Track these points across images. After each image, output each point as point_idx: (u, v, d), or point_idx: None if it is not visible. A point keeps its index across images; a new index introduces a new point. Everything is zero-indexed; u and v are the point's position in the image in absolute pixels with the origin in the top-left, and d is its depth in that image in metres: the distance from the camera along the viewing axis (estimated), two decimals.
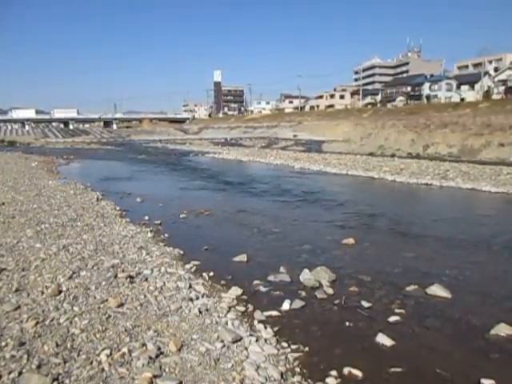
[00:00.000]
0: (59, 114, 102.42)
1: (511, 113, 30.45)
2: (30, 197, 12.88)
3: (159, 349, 4.19)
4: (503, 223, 11.10)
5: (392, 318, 5.35)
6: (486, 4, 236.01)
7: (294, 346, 4.61)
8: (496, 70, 65.73)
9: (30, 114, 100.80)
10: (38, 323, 4.54)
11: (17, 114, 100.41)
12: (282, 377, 3.98)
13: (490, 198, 14.47)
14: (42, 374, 3.66)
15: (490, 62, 69.88)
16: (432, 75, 72.03)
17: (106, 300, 5.28)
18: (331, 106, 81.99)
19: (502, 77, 59.89)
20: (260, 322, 5.18)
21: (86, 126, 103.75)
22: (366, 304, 5.75)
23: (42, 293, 5.41)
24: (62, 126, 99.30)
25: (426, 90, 67.18)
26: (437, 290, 6.12)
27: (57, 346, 4.12)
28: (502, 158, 25.17)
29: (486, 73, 62.14)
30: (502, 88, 57.71)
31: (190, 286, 6.07)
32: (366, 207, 12.82)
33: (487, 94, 54.79)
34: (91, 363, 3.87)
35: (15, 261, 6.63)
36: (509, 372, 4.27)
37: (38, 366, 3.76)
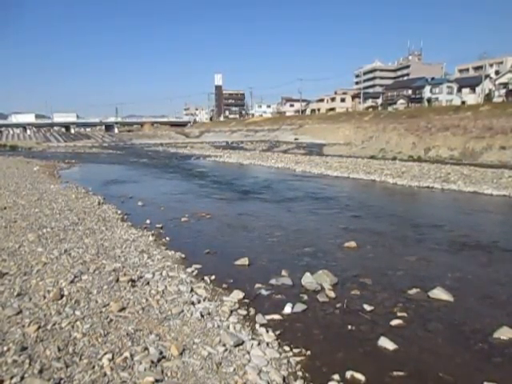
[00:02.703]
0: (59, 118, 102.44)
1: None
2: (32, 201, 12.89)
3: (161, 353, 4.19)
4: (505, 226, 11.08)
5: (394, 322, 5.34)
6: (487, 7, 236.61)
7: (296, 350, 4.60)
8: (497, 73, 65.79)
9: (30, 118, 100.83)
10: (39, 328, 4.53)
11: (16, 119, 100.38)
12: (284, 381, 3.98)
13: (491, 201, 14.45)
14: (44, 378, 3.65)
15: (491, 65, 69.89)
16: (433, 78, 72.08)
17: (108, 304, 5.28)
18: (332, 109, 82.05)
19: (503, 80, 59.84)
20: (262, 325, 5.17)
21: (88, 130, 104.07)
22: (368, 307, 5.74)
23: (44, 297, 5.40)
24: (63, 130, 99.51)
25: (426, 93, 67.20)
26: (439, 293, 6.11)
27: (59, 350, 4.11)
28: (503, 161, 25.16)
29: (487, 76, 62.16)
30: (503, 91, 57.63)
31: (192, 290, 6.07)
32: (368, 210, 12.81)
33: (488, 97, 54.82)
34: (93, 368, 3.86)
35: (17, 265, 6.63)
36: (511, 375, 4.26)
37: (40, 371, 3.76)
